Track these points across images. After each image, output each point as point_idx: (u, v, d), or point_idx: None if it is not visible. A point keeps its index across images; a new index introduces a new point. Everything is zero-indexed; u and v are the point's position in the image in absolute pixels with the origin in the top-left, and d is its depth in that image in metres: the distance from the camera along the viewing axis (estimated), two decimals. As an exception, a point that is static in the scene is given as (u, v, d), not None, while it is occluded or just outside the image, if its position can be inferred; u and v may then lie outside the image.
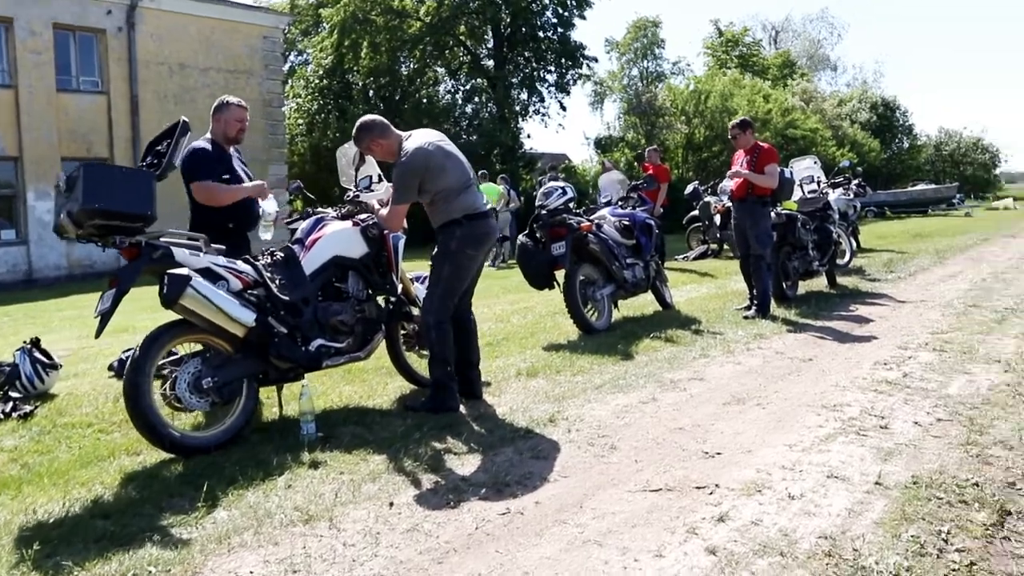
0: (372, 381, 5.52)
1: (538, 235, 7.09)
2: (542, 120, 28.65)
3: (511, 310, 8.59)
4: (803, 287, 9.67)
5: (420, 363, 5.31)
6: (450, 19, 26.41)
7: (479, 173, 16.29)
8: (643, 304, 8.54)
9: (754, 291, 7.84)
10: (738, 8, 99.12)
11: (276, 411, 4.75)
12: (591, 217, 7.76)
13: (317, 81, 27.12)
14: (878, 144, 37.45)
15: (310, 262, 4.67)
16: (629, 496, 3.31)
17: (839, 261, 11.88)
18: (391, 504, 3.29)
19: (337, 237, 4.81)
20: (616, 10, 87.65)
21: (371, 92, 27.21)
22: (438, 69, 28.92)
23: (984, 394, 4.64)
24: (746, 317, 7.60)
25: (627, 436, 4.12)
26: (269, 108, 23.47)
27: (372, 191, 5.18)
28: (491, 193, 15.60)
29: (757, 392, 4.93)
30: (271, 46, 23.49)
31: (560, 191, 7.15)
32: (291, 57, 33.13)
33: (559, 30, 27.56)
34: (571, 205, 7.19)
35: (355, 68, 26.74)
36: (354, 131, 4.76)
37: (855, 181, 15.65)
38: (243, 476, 3.60)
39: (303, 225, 4.95)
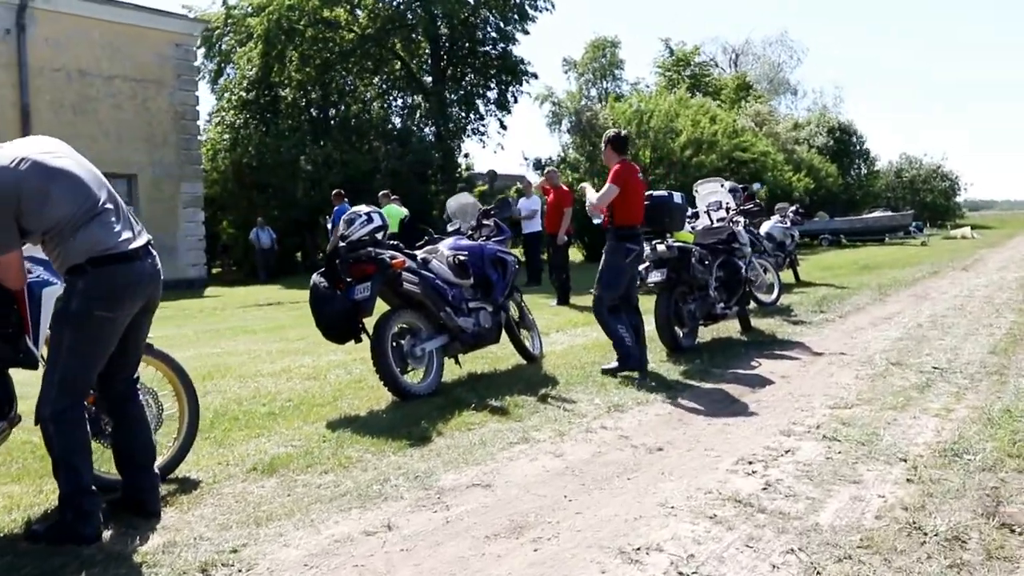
0: None
1: (339, 274, 5.51)
2: (480, 139, 27.23)
3: (339, 361, 6.99)
4: (711, 331, 8.20)
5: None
6: (384, 32, 24.92)
7: (380, 194, 14.73)
8: (504, 356, 7.00)
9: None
10: (698, 31, 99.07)
11: None
12: (425, 250, 6.23)
13: (242, 94, 25.45)
14: (835, 169, 36.41)
15: None
16: None
17: (764, 299, 10.48)
18: None
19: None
20: (574, 29, 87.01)
21: (300, 106, 25.57)
22: (374, 83, 27.36)
23: (867, 527, 3.12)
24: (604, 371, 6.14)
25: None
26: (183, 121, 21.78)
27: None
28: (394, 216, 14.04)
29: (549, 515, 3.39)
30: (184, 54, 21.82)
31: (365, 217, 5.60)
32: (228, 70, 31.46)
33: (500, 45, 26.17)
34: (380, 235, 5.63)
35: (283, 81, 25.14)
36: None
37: (792, 208, 14.36)
38: None
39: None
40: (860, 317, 9.43)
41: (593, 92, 48.18)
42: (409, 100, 27.32)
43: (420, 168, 22.25)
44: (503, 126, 27.15)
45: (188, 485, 3.90)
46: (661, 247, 6.95)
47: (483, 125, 26.69)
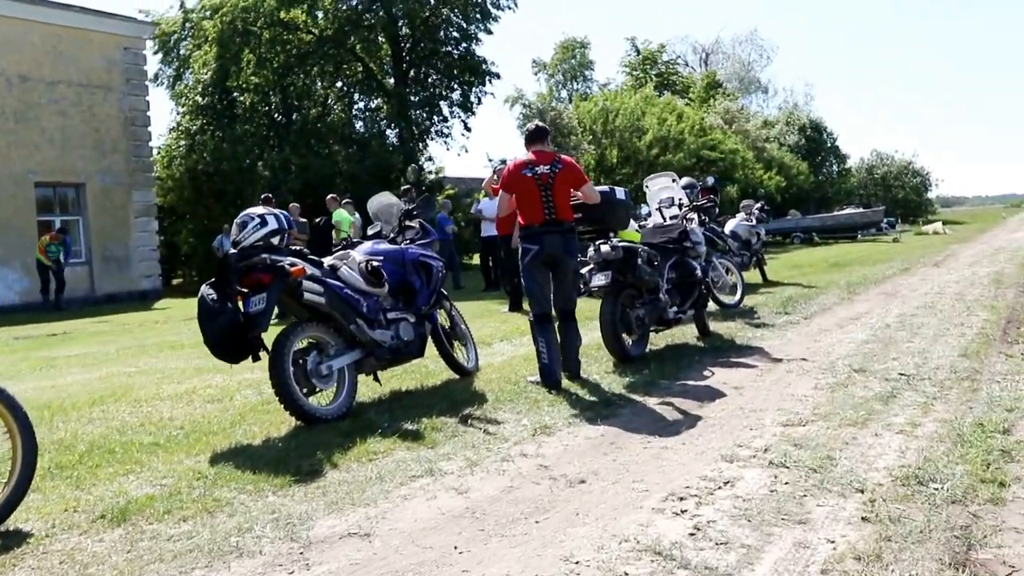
0: None
1: (232, 284, 4.87)
2: (444, 142, 26.55)
3: (252, 381, 6.33)
4: (665, 337, 7.64)
5: None
6: (342, 33, 24.22)
7: (328, 197, 14.07)
8: (435, 371, 6.39)
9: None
10: (668, 31, 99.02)
11: None
12: (336, 255, 5.60)
13: (197, 99, 24.64)
14: (806, 167, 36.11)
15: None
16: None
17: (727, 300, 9.96)
18: None
19: None
20: (544, 31, 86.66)
21: (258, 110, 24.79)
22: (336, 86, 26.64)
23: (812, 586, 2.54)
24: (531, 383, 5.71)
25: None
26: (132, 127, 21.05)
27: None
28: (344, 221, 13.38)
29: (428, 574, 2.78)
30: (133, 58, 21.10)
31: (258, 220, 4.96)
32: (187, 75, 30.56)
33: (462, 45, 25.53)
34: (277, 240, 4.99)
35: (239, 84, 24.36)
36: None
37: (757, 205, 13.86)
38: None
39: None
40: (826, 318, 8.91)
41: (563, 93, 47.72)
42: (370, 103, 26.58)
43: (381, 172, 21.56)
44: (467, 128, 26.49)
45: (13, 540, 3.27)
46: (605, 248, 6.37)
47: (447, 127, 26.06)
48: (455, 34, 25.45)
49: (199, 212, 24.42)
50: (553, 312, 5.97)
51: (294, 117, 26.04)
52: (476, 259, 19.74)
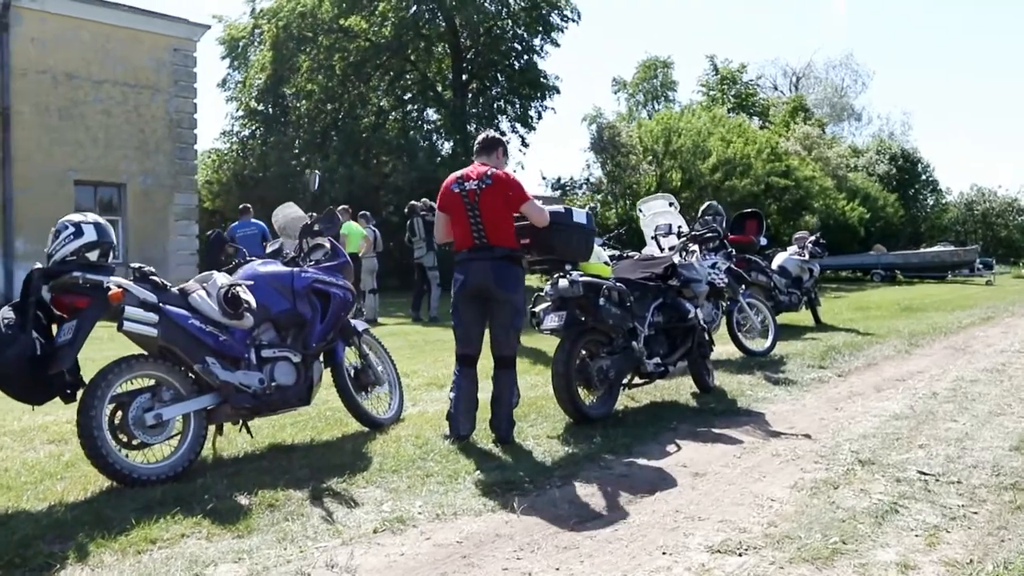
0: None
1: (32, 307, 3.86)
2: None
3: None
4: (656, 390, 6.33)
5: None
6: (401, 41, 23.53)
7: (340, 209, 13.14)
8: (342, 420, 5.27)
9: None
10: (758, 52, 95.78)
11: None
12: (197, 278, 4.55)
13: (252, 103, 24.33)
14: (895, 199, 33.61)
15: None
16: None
17: (754, 347, 8.56)
18: None
19: None
20: (625, 49, 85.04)
21: (312, 117, 24.31)
22: (395, 94, 25.96)
23: None
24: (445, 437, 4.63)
25: None
26: (178, 129, 20.73)
27: None
28: (355, 236, 12.45)
29: None
30: (183, 60, 20.80)
31: (72, 229, 3.96)
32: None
33: (524, 57, 24.50)
34: (93, 255, 3.96)
35: (293, 91, 23.95)
36: None
37: (811, 237, 12.30)
38: None
39: None
40: (865, 377, 7.42)
41: (644, 113, 46.25)
42: (427, 114, 25.82)
43: (426, 185, 20.68)
44: (524, 143, 25.39)
45: None
46: (562, 283, 5.13)
47: (505, 142, 24.89)
48: (517, 46, 24.46)
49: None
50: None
51: (339, 125, 25.43)
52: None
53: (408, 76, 25.63)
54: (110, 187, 19.77)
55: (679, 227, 6.44)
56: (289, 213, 5.21)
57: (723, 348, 8.86)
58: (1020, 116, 79.04)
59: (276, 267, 4.79)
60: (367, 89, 24.47)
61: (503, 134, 25.71)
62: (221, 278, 4.38)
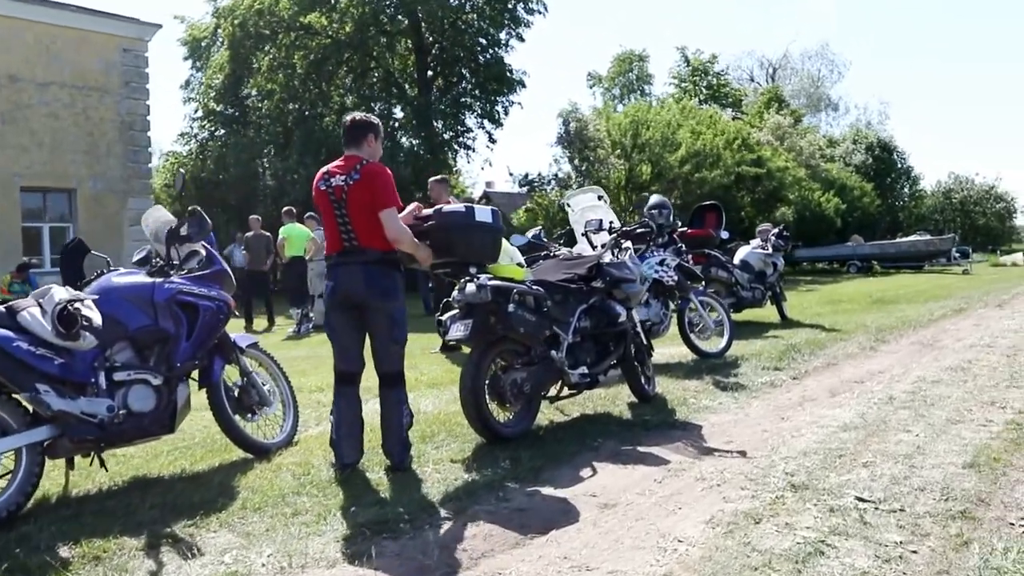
0: None
1: None
2: (466, 154, 24.90)
3: None
4: (591, 400, 5.81)
5: None
6: (361, 37, 22.89)
7: (284, 211, 12.57)
8: (221, 448, 4.72)
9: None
10: (734, 44, 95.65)
11: None
12: (35, 293, 3.97)
13: (210, 103, 23.64)
14: (871, 188, 33.24)
15: None
16: None
17: (707, 348, 8.07)
18: None
19: None
20: (600, 43, 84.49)
21: (271, 117, 23.63)
22: (358, 92, 25.30)
23: None
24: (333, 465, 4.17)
25: None
26: (130, 132, 20.09)
27: None
28: (298, 238, 11.88)
29: None
30: (133, 60, 20.13)
31: None
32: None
33: (489, 51, 23.91)
34: None
35: (254, 90, 23.28)
36: None
37: (775, 230, 11.82)
38: None
39: None
40: (822, 379, 6.93)
41: (620, 108, 45.77)
42: (391, 111, 25.17)
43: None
44: (492, 139, 24.80)
45: None
46: (469, 288, 4.59)
47: (470, 138, 24.46)
48: (482, 41, 23.88)
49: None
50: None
51: (305, 125, 24.76)
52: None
53: (373, 73, 25.00)
54: (59, 192, 19.11)
55: (611, 222, 5.91)
56: (159, 217, 4.63)
57: (675, 350, 8.37)
58: (997, 103, 79.16)
59: (135, 278, 4.22)
60: (330, 87, 23.82)
61: (469, 130, 25.08)
62: (60, 293, 3.80)
